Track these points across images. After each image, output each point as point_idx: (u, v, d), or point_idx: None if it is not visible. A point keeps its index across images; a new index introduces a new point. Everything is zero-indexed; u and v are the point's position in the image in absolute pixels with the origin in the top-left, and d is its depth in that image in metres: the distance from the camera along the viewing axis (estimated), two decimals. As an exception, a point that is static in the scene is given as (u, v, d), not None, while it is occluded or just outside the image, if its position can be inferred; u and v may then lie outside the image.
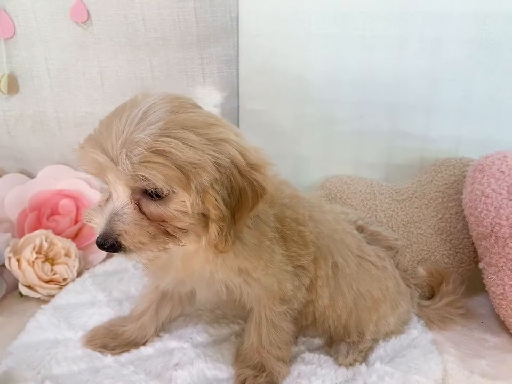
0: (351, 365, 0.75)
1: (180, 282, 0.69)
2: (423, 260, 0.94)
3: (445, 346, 0.84)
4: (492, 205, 0.81)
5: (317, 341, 0.82)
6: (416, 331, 0.83)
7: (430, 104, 1.05)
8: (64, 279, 0.96)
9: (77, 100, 1.11)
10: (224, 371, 0.73)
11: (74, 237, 1.07)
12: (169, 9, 1.04)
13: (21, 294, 0.95)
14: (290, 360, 0.76)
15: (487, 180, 0.83)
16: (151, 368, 0.73)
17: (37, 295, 0.93)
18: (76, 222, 1.09)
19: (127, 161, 0.52)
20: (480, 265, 0.87)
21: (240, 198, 0.57)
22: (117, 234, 0.55)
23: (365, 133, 1.10)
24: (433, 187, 1.00)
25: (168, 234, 0.57)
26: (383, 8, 0.99)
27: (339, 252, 0.76)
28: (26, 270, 0.92)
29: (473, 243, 0.92)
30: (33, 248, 0.94)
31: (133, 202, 0.56)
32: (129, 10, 1.04)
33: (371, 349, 0.79)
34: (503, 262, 0.81)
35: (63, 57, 1.08)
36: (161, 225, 0.56)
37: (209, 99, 1.14)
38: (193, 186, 0.54)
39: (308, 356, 0.77)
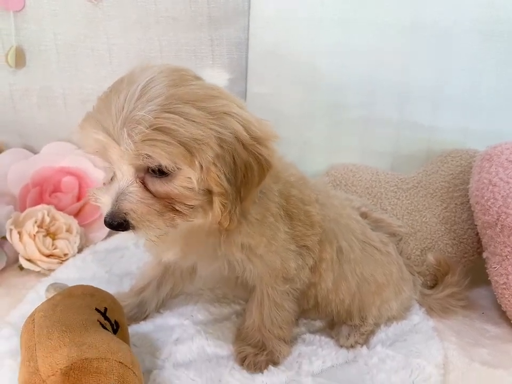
0: (352, 346, 0.75)
1: (183, 256, 0.68)
2: (426, 248, 0.94)
3: (445, 335, 0.84)
4: (500, 194, 0.80)
5: (318, 323, 0.81)
6: (418, 317, 0.83)
7: (438, 95, 1.05)
8: (65, 254, 0.96)
9: (84, 77, 1.10)
10: (224, 348, 0.73)
11: (76, 214, 1.06)
12: (181, -11, 1.04)
13: (20, 267, 0.95)
14: (291, 341, 0.75)
15: (495, 169, 0.82)
16: (151, 342, 0.72)
17: (37, 269, 0.92)
18: (78, 199, 1.08)
19: (129, 140, 0.51)
20: (484, 254, 0.87)
21: (246, 173, 0.56)
22: (124, 213, 0.54)
23: (373, 121, 1.10)
24: (439, 177, 0.99)
25: (175, 211, 0.56)
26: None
27: (344, 236, 0.76)
28: (27, 243, 0.92)
29: (477, 234, 0.92)
30: (35, 222, 0.94)
31: (138, 180, 0.55)
32: (141, -12, 1.03)
33: (372, 332, 0.79)
34: (508, 251, 0.80)
35: (72, 33, 1.07)
36: (168, 202, 0.56)
37: (218, 81, 1.12)
38: (197, 163, 0.53)
39: (308, 337, 0.77)
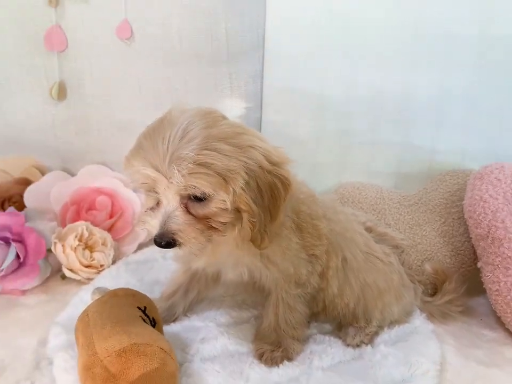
0: (357, 345, 0.84)
1: (210, 264, 0.79)
2: (426, 259, 1.03)
3: (444, 338, 0.92)
4: (489, 209, 0.90)
5: (328, 326, 0.91)
6: (418, 321, 0.91)
7: (438, 119, 1.15)
8: (101, 265, 1.07)
9: (117, 107, 1.24)
10: (244, 346, 0.83)
11: (109, 229, 1.18)
12: (203, 30, 1.17)
13: (63, 277, 1.07)
14: (303, 340, 0.85)
15: (486, 186, 0.92)
16: (181, 341, 0.83)
17: (78, 278, 1.04)
18: (111, 216, 1.20)
19: (179, 174, 0.62)
20: (479, 264, 0.96)
21: (272, 193, 0.67)
22: (172, 234, 0.65)
23: (377, 144, 1.20)
24: (438, 194, 1.09)
25: (212, 228, 0.67)
26: (395, 31, 1.10)
27: (348, 248, 0.86)
28: (69, 255, 1.04)
29: (473, 246, 1.00)
30: (76, 236, 1.06)
31: (181, 206, 0.66)
32: (168, 29, 1.17)
33: (376, 333, 0.87)
34: (499, 260, 0.89)
35: (107, 69, 1.21)
36: (207, 222, 0.67)
37: (235, 110, 1.25)
38: (231, 189, 0.64)
39: (319, 337, 0.86)
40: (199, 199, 0.65)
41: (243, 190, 0.64)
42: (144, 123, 1.26)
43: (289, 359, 0.80)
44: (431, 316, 0.96)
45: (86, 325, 0.67)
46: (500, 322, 0.97)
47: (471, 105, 1.12)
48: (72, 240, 1.05)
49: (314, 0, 1.14)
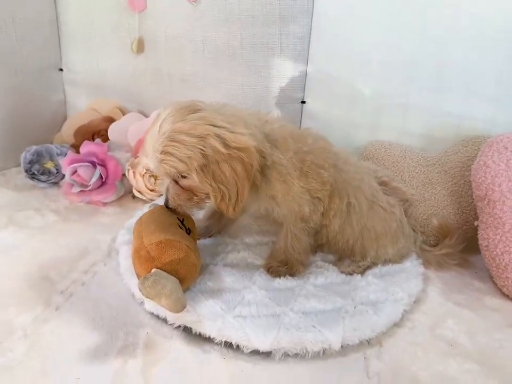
0: (350, 274, 1.02)
1: None
2: (432, 214, 1.15)
3: (434, 281, 1.07)
4: (490, 173, 0.99)
5: (330, 257, 1.10)
6: (410, 263, 1.06)
7: (469, 88, 1.20)
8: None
9: (184, 61, 1.46)
10: (259, 261, 1.05)
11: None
12: (261, -6, 1.32)
13: (133, 196, 1.37)
14: (307, 265, 1.05)
15: (492, 153, 1.00)
16: (211, 250, 1.07)
17: (144, 198, 1.33)
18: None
19: (155, 162, 0.82)
20: (475, 223, 1.06)
21: (235, 173, 0.81)
22: (167, 200, 0.90)
23: (410, 106, 1.29)
24: (456, 158, 1.18)
25: (196, 196, 0.88)
26: (437, 2, 1.15)
27: (354, 195, 1.01)
28: (138, 180, 1.32)
29: (477, 206, 1.10)
30: (144, 166, 1.34)
31: (172, 181, 0.87)
32: (229, -8, 1.34)
33: (369, 267, 1.04)
34: (491, 220, 0.99)
35: (176, 28, 1.42)
36: (191, 192, 0.87)
37: (284, 67, 1.41)
38: (193, 169, 0.81)
39: (320, 263, 1.06)
40: (182, 177, 0.84)
41: (202, 171, 0.81)
42: (206, 75, 1.48)
43: (292, 275, 1.01)
44: (427, 263, 1.10)
45: (139, 224, 0.93)
46: (491, 277, 1.08)
47: (501, 76, 1.16)
48: (141, 169, 1.33)
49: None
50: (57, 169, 1.39)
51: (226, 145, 0.80)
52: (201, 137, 0.80)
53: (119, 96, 1.57)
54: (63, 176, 1.38)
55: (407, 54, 1.25)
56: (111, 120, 1.53)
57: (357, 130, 1.39)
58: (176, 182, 0.88)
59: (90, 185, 1.29)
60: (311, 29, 1.35)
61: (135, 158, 1.39)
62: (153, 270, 0.81)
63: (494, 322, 0.95)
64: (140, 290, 0.79)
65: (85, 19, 1.48)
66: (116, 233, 1.13)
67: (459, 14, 1.15)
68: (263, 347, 0.81)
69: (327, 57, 1.35)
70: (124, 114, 1.55)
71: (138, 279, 0.85)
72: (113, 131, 1.48)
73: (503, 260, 0.98)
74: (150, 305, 0.89)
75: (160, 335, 0.85)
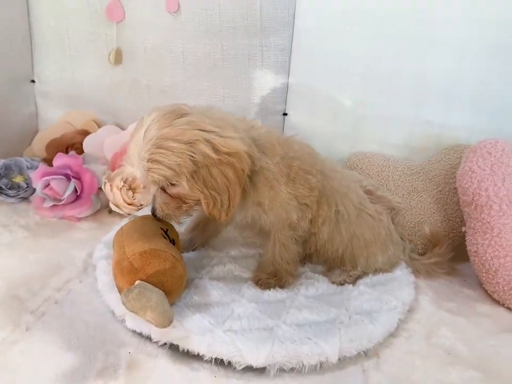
0: (341, 284, 0.99)
1: None
2: (419, 222, 1.14)
3: (424, 290, 1.05)
4: (476, 178, 0.99)
5: (320, 268, 1.06)
6: (401, 272, 1.04)
7: (449, 97, 1.23)
8: (141, 205, 1.29)
9: (163, 72, 1.43)
10: (247, 273, 1.00)
11: (150, 177, 1.40)
12: (240, 5, 1.31)
13: (109, 211, 1.30)
14: (297, 276, 1.01)
15: (477, 158, 1.01)
16: (195, 263, 1.02)
17: (121, 212, 1.26)
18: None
19: (142, 171, 0.78)
20: (463, 229, 1.06)
21: (225, 178, 0.78)
22: (155, 209, 0.86)
23: (391, 117, 1.30)
24: (439, 166, 1.18)
25: (185, 204, 0.84)
26: (414, 14, 1.18)
27: (342, 202, 0.99)
28: (116, 193, 1.26)
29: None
30: (122, 178, 1.28)
31: (159, 189, 0.83)
32: (210, 5, 1.33)
33: (360, 277, 1.01)
34: (479, 225, 0.99)
35: (156, 38, 1.39)
36: (180, 200, 0.83)
37: (265, 79, 1.40)
38: (183, 177, 0.77)
39: (310, 274, 1.03)
40: (171, 184, 0.80)
41: (192, 178, 0.77)
42: (186, 87, 1.45)
43: (281, 287, 0.97)
44: (416, 272, 1.09)
45: (120, 235, 0.87)
46: (480, 283, 1.08)
47: (479, 85, 1.19)
48: (118, 182, 1.27)
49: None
50: (27, 184, 1.31)
51: (216, 150, 0.77)
52: (190, 143, 0.76)
53: (95, 108, 1.51)
54: (34, 191, 1.30)
55: (387, 65, 1.26)
56: (85, 133, 1.47)
57: (339, 141, 1.38)
58: (164, 190, 0.83)
59: (64, 199, 1.21)
60: (292, 41, 1.35)
61: (112, 171, 1.33)
62: (137, 282, 0.75)
63: (487, 329, 0.93)
64: (123, 304, 0.72)
65: (59, 29, 1.43)
66: (92, 249, 1.07)
67: (437, 25, 1.18)
68: (256, 362, 0.76)
69: (308, 69, 1.36)
70: (99, 127, 1.50)
71: (120, 293, 0.79)
72: (88, 144, 1.42)
73: (493, 264, 0.98)
74: (132, 322, 0.82)
75: (143, 353, 0.79)
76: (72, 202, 1.24)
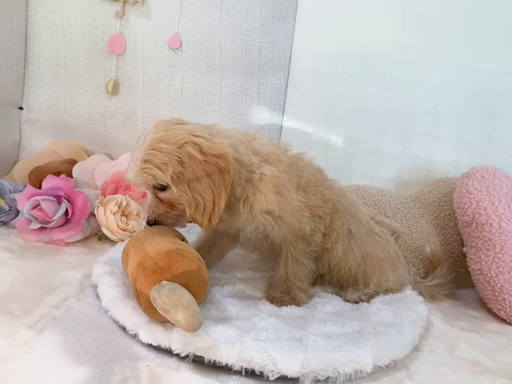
0: (356, 302, 0.97)
1: (230, 226, 0.93)
2: (420, 247, 1.17)
3: (432, 311, 1.04)
4: (474, 199, 1.05)
5: (330, 289, 1.04)
6: (410, 292, 1.04)
7: (434, 134, 1.33)
8: (134, 231, 1.22)
9: (160, 105, 1.45)
10: (258, 293, 0.96)
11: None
12: (240, 46, 1.40)
13: (99, 238, 1.22)
14: (309, 296, 0.98)
15: (472, 182, 1.08)
16: (204, 283, 0.96)
17: (114, 237, 1.19)
18: (144, 197, 1.36)
19: (134, 172, 0.82)
20: (464, 249, 1.10)
21: (211, 180, 0.80)
22: (149, 216, 0.87)
23: (380, 153, 1.38)
24: (432, 195, 1.25)
25: (176, 209, 0.85)
26: (400, 58, 1.32)
27: (353, 222, 1.00)
28: (109, 217, 1.19)
29: (461, 238, 1.15)
30: (116, 203, 1.22)
31: (153, 195, 0.86)
32: (211, 43, 1.41)
33: (373, 296, 1.00)
34: (481, 243, 1.03)
35: (155, 72, 1.43)
36: (171, 205, 0.85)
37: (260, 117, 1.46)
38: (169, 176, 0.80)
39: (322, 293, 1.00)
40: (162, 188, 0.84)
41: (178, 178, 0.80)
42: (182, 119, 1.46)
43: (296, 305, 0.93)
44: (420, 295, 1.09)
45: (137, 240, 0.82)
46: (483, 307, 1.10)
47: (462, 123, 1.31)
48: (112, 206, 1.21)
49: (334, 32, 1.38)
50: (9, 207, 1.21)
51: (202, 152, 0.80)
52: (179, 144, 0.80)
53: (84, 138, 1.48)
54: (16, 215, 1.21)
55: (376, 104, 1.37)
56: (72, 162, 1.42)
57: (331, 176, 1.43)
58: (156, 196, 0.85)
59: (53, 221, 1.13)
60: (287, 81, 1.44)
61: (104, 197, 1.27)
62: (163, 282, 0.69)
63: (503, 343, 0.93)
64: (154, 301, 0.66)
65: (56, 58, 1.43)
66: (86, 271, 0.99)
67: (420, 69, 1.32)
68: (291, 371, 0.70)
69: (302, 108, 1.44)
70: (88, 156, 1.45)
71: (138, 298, 0.72)
72: (77, 170, 1.36)
73: (498, 281, 1.00)
74: (147, 335, 0.74)
75: (164, 366, 0.70)
76: (61, 226, 1.16)
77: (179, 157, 0.79)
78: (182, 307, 0.65)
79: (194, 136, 0.81)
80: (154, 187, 0.85)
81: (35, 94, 1.46)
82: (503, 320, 1.03)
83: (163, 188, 0.84)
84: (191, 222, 0.86)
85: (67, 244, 1.15)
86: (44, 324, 0.77)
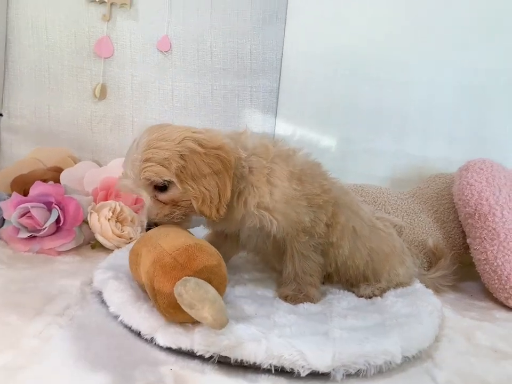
0: (369, 296, 0.95)
1: (227, 227, 0.91)
2: (422, 241, 1.17)
3: (442, 303, 1.04)
4: (475, 190, 1.07)
5: (340, 287, 1.01)
6: (419, 285, 1.03)
7: (426, 132, 1.36)
8: (130, 238, 1.17)
9: (150, 109, 1.41)
10: (270, 292, 0.92)
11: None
12: (231, 48, 1.39)
13: (92, 246, 1.16)
14: (322, 293, 0.95)
15: (471, 174, 1.10)
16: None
17: (109, 244, 1.13)
18: (135, 203, 1.31)
19: (134, 173, 0.81)
20: (468, 240, 1.11)
21: (214, 171, 0.80)
22: (150, 219, 0.84)
23: (374, 152, 1.40)
24: (429, 190, 1.26)
25: (178, 209, 0.83)
26: (392, 58, 1.34)
27: (356, 220, 0.98)
28: (103, 224, 1.13)
29: (462, 231, 1.16)
30: (110, 209, 1.16)
31: (151, 198, 0.84)
32: (202, 46, 1.39)
33: (385, 290, 0.98)
34: (485, 233, 1.05)
35: (144, 76, 1.40)
36: (174, 205, 0.83)
37: (253, 119, 1.45)
38: (173, 172, 0.79)
39: (334, 290, 0.98)
40: (162, 189, 0.82)
41: (181, 172, 0.80)
42: (174, 123, 1.43)
43: (311, 302, 0.90)
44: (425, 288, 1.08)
45: (148, 239, 0.77)
46: (488, 296, 1.10)
47: (455, 120, 1.35)
48: (106, 212, 1.15)
49: (324, 33, 1.39)
50: (-7, 216, 1.13)
51: (202, 145, 0.82)
52: (178, 141, 0.81)
53: (69, 145, 1.42)
54: (2, 223, 1.13)
55: (369, 104, 1.38)
56: (58, 170, 1.35)
57: (327, 176, 1.42)
58: (157, 199, 0.84)
59: (44, 229, 1.06)
60: (279, 83, 1.44)
61: (96, 204, 1.21)
62: (187, 277, 0.65)
63: (517, 330, 0.93)
64: (180, 296, 0.61)
65: (38, 62, 1.37)
66: (85, 278, 0.93)
67: (411, 68, 1.35)
68: (322, 365, 0.66)
69: (294, 109, 1.43)
70: (75, 163, 1.39)
71: (156, 298, 0.68)
72: (66, 177, 1.29)
73: (505, 269, 1.01)
74: (165, 338, 0.69)
75: (188, 369, 0.66)
76: (52, 234, 1.09)
77: (179, 152, 0.80)
78: (209, 302, 0.61)
79: (192, 132, 0.83)
80: (155, 189, 0.82)
81: (16, 99, 1.39)
82: (511, 309, 1.03)
83: (164, 188, 0.82)
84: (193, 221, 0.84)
85: (59, 253, 1.08)
86: (50, 332, 0.71)
